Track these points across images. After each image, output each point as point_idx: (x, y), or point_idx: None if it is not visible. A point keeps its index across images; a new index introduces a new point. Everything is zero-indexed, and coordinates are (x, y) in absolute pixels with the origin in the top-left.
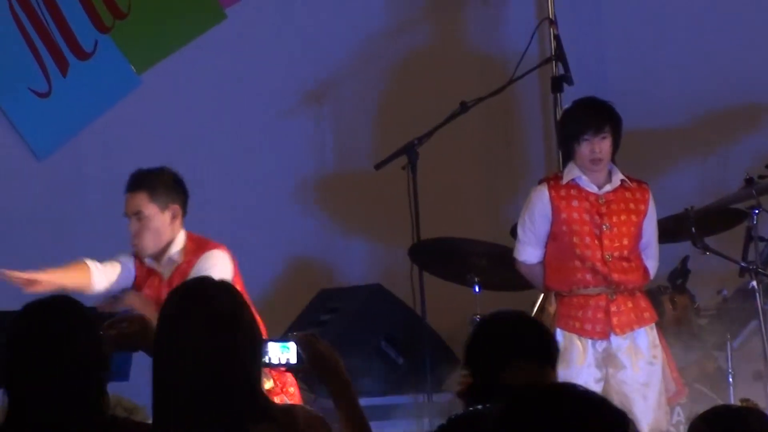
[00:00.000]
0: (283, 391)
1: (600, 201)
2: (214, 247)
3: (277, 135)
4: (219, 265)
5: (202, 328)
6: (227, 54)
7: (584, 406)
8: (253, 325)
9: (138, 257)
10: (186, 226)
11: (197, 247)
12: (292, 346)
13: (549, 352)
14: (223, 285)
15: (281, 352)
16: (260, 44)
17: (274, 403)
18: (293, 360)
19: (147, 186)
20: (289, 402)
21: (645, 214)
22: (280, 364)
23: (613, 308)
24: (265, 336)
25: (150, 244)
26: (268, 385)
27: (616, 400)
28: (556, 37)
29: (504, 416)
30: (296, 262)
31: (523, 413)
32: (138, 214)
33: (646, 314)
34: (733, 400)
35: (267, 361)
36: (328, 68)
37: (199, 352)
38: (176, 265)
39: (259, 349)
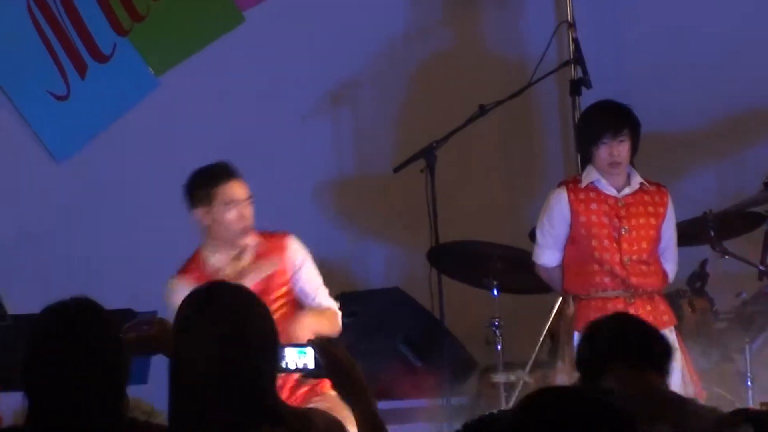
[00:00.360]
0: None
1: (619, 204)
2: (285, 234)
3: (296, 138)
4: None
5: (214, 331)
6: (246, 57)
7: (593, 411)
8: (266, 329)
9: (185, 272)
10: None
11: (267, 237)
12: (309, 351)
13: (651, 356)
14: (237, 289)
15: (298, 357)
16: (279, 47)
17: (289, 406)
18: (311, 365)
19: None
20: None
21: (664, 218)
22: (297, 369)
23: (632, 311)
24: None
25: None
26: None
27: None
28: (575, 41)
29: (515, 421)
30: (319, 263)
31: (534, 418)
32: (250, 199)
33: (665, 317)
34: (752, 404)
35: (284, 366)
36: (346, 71)
37: (210, 356)
38: (250, 258)
39: (273, 353)
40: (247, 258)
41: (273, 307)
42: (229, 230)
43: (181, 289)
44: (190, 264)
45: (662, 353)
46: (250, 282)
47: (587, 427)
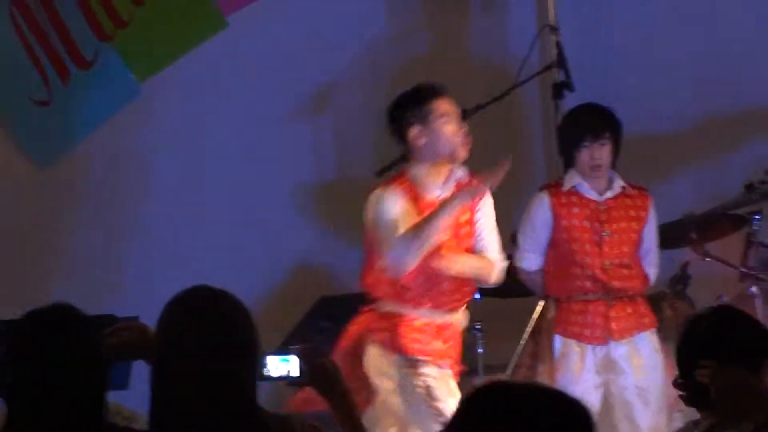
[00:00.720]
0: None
1: (600, 208)
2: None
3: (277, 141)
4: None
5: (195, 337)
6: (228, 61)
7: (541, 403)
8: (247, 335)
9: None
10: (186, 231)
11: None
12: (292, 358)
13: (744, 352)
14: (221, 294)
15: (281, 365)
16: (261, 51)
17: (269, 413)
18: (294, 373)
19: None
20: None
21: (646, 221)
22: (280, 377)
23: (613, 314)
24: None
25: None
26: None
27: (617, 406)
28: (558, 44)
29: (457, 414)
30: (296, 269)
31: (475, 410)
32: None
33: (646, 320)
34: None
35: (267, 374)
36: (329, 75)
37: (191, 361)
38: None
39: (254, 360)
40: (450, 187)
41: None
42: (450, 143)
43: (392, 198)
44: (398, 180)
45: (757, 349)
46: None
47: (529, 418)
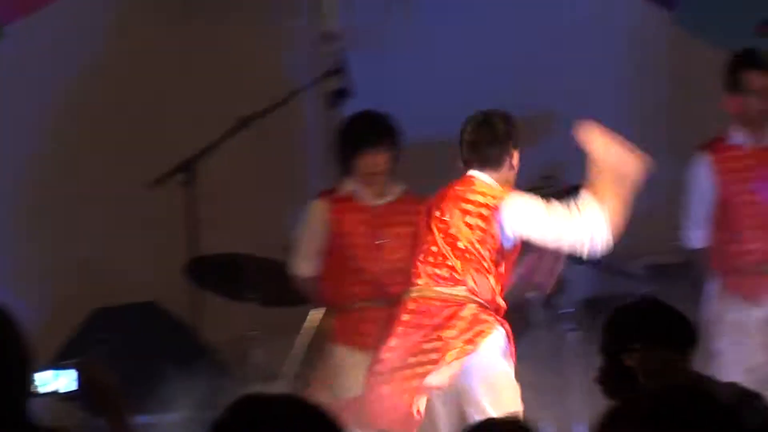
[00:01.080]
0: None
1: (376, 214)
2: None
3: (61, 146)
4: None
5: None
6: (3, 70)
7: (292, 417)
8: (18, 348)
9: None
10: None
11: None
12: (68, 373)
13: (671, 337)
14: None
15: (55, 380)
16: (34, 62)
17: (42, 427)
18: (70, 387)
19: None
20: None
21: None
22: (53, 392)
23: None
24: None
25: None
26: None
27: None
28: (338, 51)
29: (212, 427)
30: (72, 278)
31: (227, 424)
32: None
33: None
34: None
35: (38, 390)
36: (106, 81)
37: None
38: None
39: (26, 373)
40: None
41: None
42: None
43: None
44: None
45: (684, 335)
46: None
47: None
